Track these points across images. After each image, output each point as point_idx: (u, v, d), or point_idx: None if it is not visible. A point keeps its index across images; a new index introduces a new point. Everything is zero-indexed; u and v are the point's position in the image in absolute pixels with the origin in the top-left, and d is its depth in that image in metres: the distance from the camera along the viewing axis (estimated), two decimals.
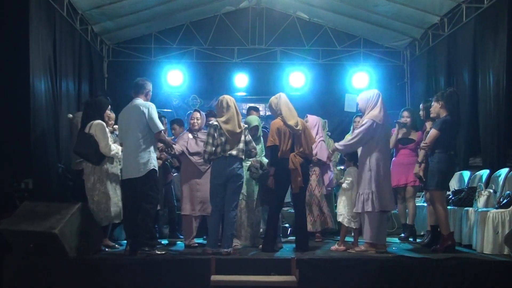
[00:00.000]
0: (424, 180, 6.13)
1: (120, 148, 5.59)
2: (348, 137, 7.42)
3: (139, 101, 5.47)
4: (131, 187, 5.39)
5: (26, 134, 6.31)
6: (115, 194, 5.60)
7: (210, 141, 5.51)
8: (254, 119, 6.36)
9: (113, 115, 6.14)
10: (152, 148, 5.43)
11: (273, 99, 5.95)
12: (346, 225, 5.94)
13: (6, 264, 5.05)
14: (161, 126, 5.44)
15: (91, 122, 5.56)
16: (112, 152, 5.52)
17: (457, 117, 5.81)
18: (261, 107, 10.29)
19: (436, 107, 5.81)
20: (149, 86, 5.62)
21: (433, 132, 5.66)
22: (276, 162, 5.73)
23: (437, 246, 5.73)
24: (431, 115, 6.02)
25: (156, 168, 5.47)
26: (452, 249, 5.60)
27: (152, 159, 5.40)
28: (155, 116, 5.40)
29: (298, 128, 5.77)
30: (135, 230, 5.39)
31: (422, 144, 5.83)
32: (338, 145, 5.92)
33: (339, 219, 6.03)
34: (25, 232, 5.14)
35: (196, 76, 10.23)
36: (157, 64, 10.16)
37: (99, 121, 5.57)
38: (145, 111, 5.34)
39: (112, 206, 5.55)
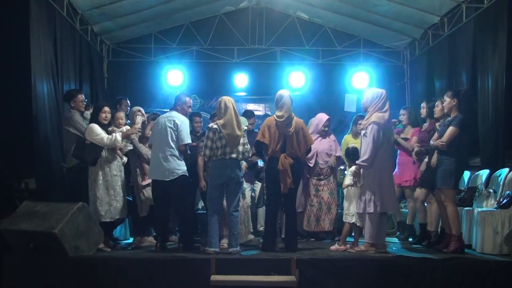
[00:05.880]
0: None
1: (118, 134, 5.84)
2: (348, 138, 7.45)
3: (174, 113, 5.88)
4: (162, 188, 5.71)
5: (29, 135, 6.35)
6: (107, 194, 5.76)
7: (209, 144, 5.57)
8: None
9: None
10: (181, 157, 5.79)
11: (278, 93, 5.93)
12: (358, 224, 5.87)
13: (6, 264, 5.05)
14: (187, 140, 5.75)
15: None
16: (108, 142, 5.76)
17: (468, 117, 5.73)
18: (261, 107, 10.34)
19: (450, 103, 5.64)
20: (184, 101, 5.97)
21: (451, 130, 5.48)
22: (267, 161, 5.83)
23: (449, 246, 5.57)
24: (437, 114, 5.96)
25: (186, 174, 5.81)
26: (463, 251, 5.53)
27: (183, 165, 5.77)
28: (186, 130, 5.79)
29: (289, 129, 5.72)
30: (163, 227, 5.84)
31: (439, 142, 5.55)
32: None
33: (350, 219, 5.93)
34: (25, 232, 5.15)
35: (196, 76, 10.23)
36: (157, 64, 10.16)
37: (91, 124, 5.88)
38: (178, 123, 5.73)
39: (102, 205, 5.72)
